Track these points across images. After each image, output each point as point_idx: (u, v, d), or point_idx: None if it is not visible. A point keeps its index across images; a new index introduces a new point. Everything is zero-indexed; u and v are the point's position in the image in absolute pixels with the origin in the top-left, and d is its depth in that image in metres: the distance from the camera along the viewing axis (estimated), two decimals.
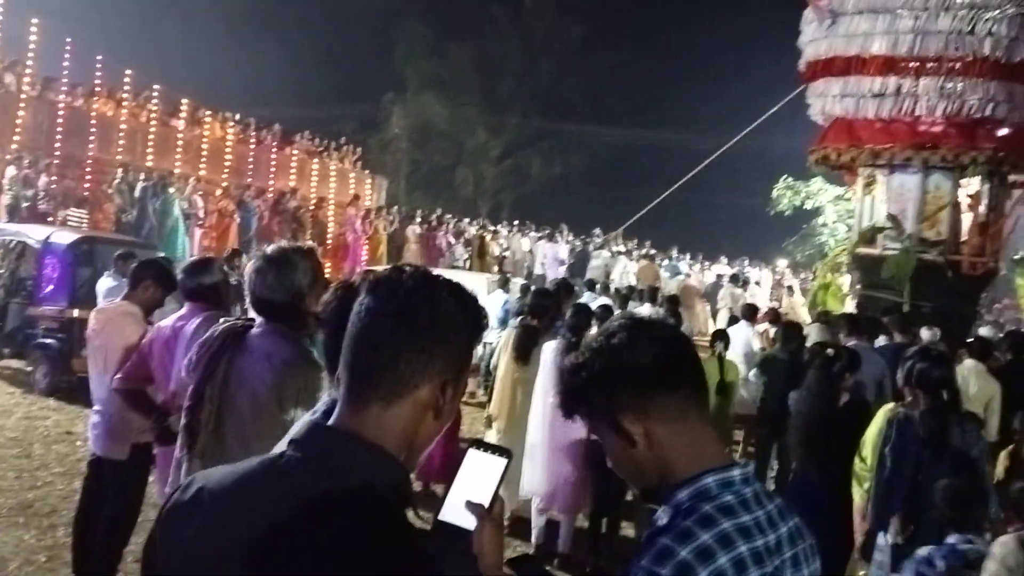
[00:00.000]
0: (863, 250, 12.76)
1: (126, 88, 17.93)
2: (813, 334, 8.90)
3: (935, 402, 4.33)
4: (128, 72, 18.12)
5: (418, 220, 22.16)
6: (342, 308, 1.94)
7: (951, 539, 3.75)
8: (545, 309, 7.02)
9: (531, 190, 38.04)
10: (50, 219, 13.66)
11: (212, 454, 2.89)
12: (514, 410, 6.61)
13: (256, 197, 18.43)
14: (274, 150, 21.44)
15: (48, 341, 9.84)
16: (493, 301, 11.83)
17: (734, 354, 8.91)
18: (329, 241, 19.96)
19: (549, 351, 6.31)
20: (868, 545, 4.60)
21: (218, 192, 18.00)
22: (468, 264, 21.16)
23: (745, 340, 10.19)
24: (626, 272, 21.22)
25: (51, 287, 10.05)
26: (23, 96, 15.66)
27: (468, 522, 1.44)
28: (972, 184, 12.33)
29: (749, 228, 31.12)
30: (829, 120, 13.00)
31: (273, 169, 21.12)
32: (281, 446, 1.35)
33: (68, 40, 16.88)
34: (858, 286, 13.38)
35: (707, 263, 25.07)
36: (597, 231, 24.48)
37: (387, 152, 36.67)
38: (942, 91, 11.58)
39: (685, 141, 23.86)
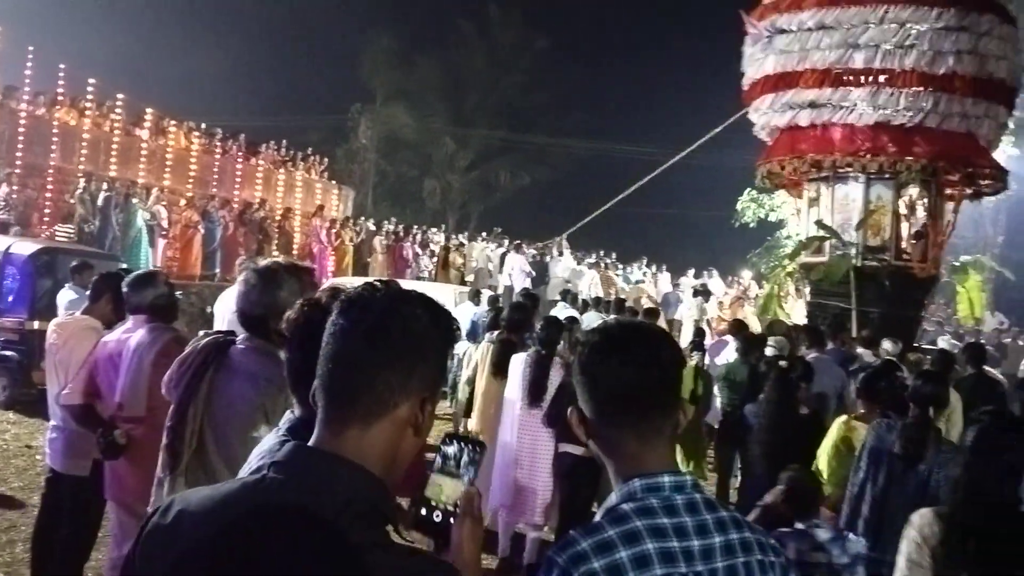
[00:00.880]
0: (808, 259, 13.14)
1: (89, 97, 17.69)
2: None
3: (922, 417, 4.27)
4: (91, 81, 17.89)
5: (384, 231, 22.11)
6: (308, 325, 1.93)
7: (799, 524, 3.83)
8: (522, 323, 7.07)
9: (498, 201, 38.18)
10: (14, 229, 13.41)
11: (195, 474, 2.85)
12: (497, 424, 6.60)
13: (221, 208, 18.27)
14: (240, 160, 21.27)
15: (7, 353, 9.70)
16: (461, 313, 11.85)
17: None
18: (295, 252, 19.85)
19: (519, 363, 6.34)
20: None
21: (182, 202, 17.81)
22: (434, 275, 21.14)
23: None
24: (594, 283, 21.33)
25: (11, 298, 9.91)
26: None
27: (447, 517, 1.46)
28: (912, 193, 12.74)
29: (715, 240, 31.46)
30: (773, 135, 13.46)
31: (239, 179, 20.95)
32: (252, 465, 1.35)
33: (30, 48, 16.64)
34: (805, 293, 13.72)
35: (658, 271, 25.09)
36: (558, 240, 24.57)
37: (354, 163, 36.61)
38: (874, 101, 11.97)
39: (649, 154, 24.07)
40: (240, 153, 21.43)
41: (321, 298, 2.14)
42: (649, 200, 21.18)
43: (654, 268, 25.14)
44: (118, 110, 18.24)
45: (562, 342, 6.63)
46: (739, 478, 8.00)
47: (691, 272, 24.48)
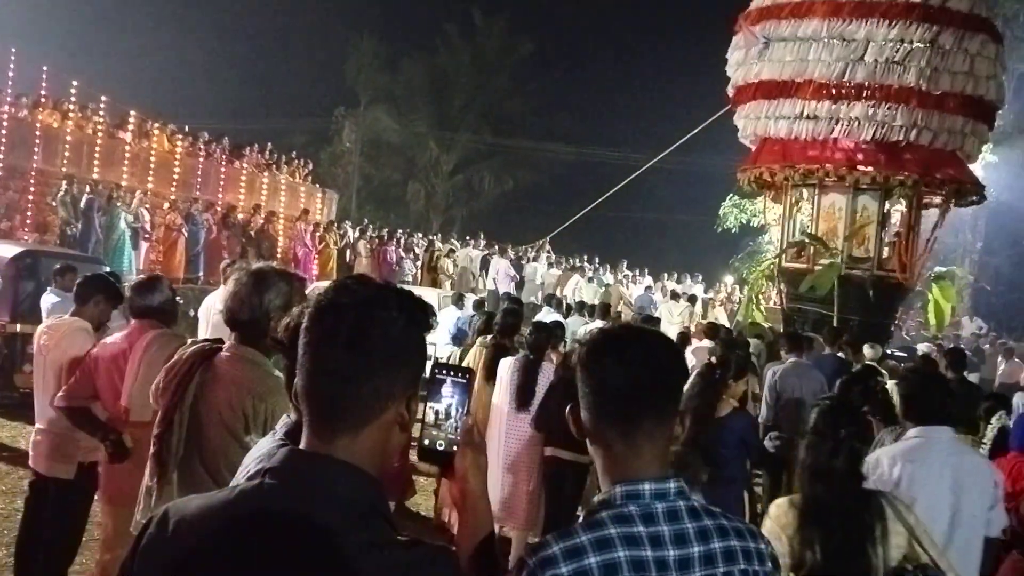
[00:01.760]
0: (789, 264, 13.24)
1: (72, 99, 17.60)
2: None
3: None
4: (74, 83, 17.81)
5: (368, 235, 22.07)
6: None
7: None
8: (514, 328, 7.08)
9: (483, 205, 38.20)
10: None
11: (183, 482, 2.84)
12: (486, 428, 6.61)
13: (205, 211, 18.20)
14: (223, 163, 21.19)
15: None
16: (446, 317, 11.86)
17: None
18: (279, 256, 19.78)
19: (506, 367, 6.35)
20: None
21: (166, 206, 17.74)
22: (419, 278, 21.11)
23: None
24: (579, 287, 21.36)
25: None
26: None
27: (448, 445, 1.50)
28: (896, 205, 12.90)
29: (697, 244, 31.59)
30: (757, 141, 13.50)
31: (222, 182, 20.86)
32: (249, 469, 1.36)
33: (13, 50, 16.54)
34: (784, 299, 13.81)
35: (632, 275, 25.14)
36: (540, 243, 24.60)
37: (338, 166, 36.57)
38: (870, 117, 12.06)
39: (632, 159, 24.14)
40: (224, 156, 21.34)
41: None
42: (632, 204, 21.22)
43: (637, 271, 25.21)
44: (101, 112, 18.14)
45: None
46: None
47: (668, 277, 24.61)
